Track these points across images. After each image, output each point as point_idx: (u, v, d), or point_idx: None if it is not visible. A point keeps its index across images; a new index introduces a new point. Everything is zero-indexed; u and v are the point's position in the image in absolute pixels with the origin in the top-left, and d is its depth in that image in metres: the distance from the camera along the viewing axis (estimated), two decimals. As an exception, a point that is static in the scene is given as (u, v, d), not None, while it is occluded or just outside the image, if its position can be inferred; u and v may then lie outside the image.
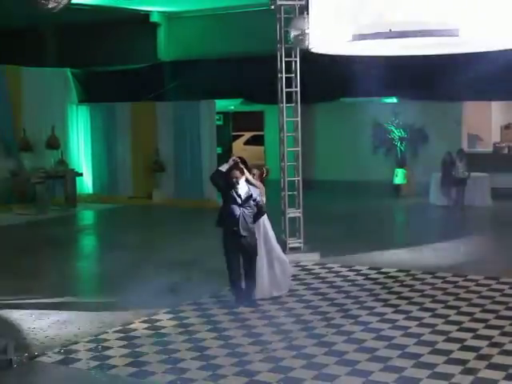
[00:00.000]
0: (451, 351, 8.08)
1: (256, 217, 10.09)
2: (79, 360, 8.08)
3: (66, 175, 20.90)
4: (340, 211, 19.22)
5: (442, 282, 11.26)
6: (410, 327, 9.01)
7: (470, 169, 19.24)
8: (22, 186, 20.61)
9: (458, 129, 22.43)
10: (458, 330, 8.84)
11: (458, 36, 6.65)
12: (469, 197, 19.30)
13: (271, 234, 10.66)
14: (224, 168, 10.15)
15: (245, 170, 10.16)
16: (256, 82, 20.54)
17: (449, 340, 8.49)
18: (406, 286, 11.13)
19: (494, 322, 9.16)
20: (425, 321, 9.28)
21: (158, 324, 9.37)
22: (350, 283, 11.35)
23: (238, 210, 9.90)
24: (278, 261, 10.65)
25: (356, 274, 11.94)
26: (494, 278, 11.42)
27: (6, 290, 11.37)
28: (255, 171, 10.63)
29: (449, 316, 9.46)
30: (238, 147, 28.54)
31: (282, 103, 13.28)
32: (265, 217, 10.54)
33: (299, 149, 13.48)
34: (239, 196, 9.92)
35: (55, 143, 21.23)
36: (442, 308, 9.85)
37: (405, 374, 7.42)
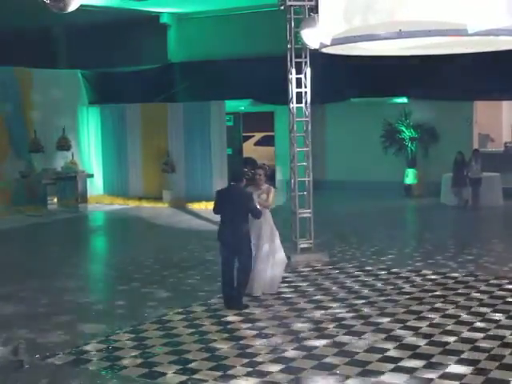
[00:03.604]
0: (462, 351, 8.05)
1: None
2: (90, 361, 8.10)
3: (77, 176, 20.98)
4: (350, 211, 19.21)
5: (453, 283, 11.23)
6: (420, 327, 8.99)
7: (482, 168, 19.22)
8: (33, 187, 20.70)
9: (469, 128, 22.39)
10: (468, 331, 8.82)
11: (468, 35, 6.63)
12: (480, 197, 19.26)
13: (277, 234, 10.72)
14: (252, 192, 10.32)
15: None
16: (266, 83, 20.54)
17: (460, 340, 8.46)
18: (417, 286, 11.11)
19: (505, 322, 9.12)
20: (436, 321, 9.25)
21: (168, 325, 9.38)
22: (360, 283, 11.33)
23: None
24: (280, 263, 10.69)
25: (367, 275, 11.92)
26: (505, 278, 11.39)
27: (17, 291, 11.41)
28: (261, 172, 10.61)
29: (460, 316, 9.43)
30: (249, 148, 28.53)
31: (292, 104, 13.28)
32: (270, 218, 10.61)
33: (309, 149, 13.47)
34: None
35: (66, 144, 21.35)
36: (453, 308, 9.83)
37: (416, 375, 7.40)
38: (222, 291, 10.17)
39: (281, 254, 10.77)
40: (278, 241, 10.69)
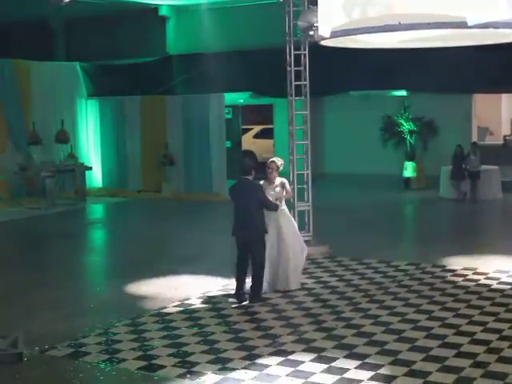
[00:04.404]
0: (461, 344, 8.06)
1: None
2: (89, 353, 8.10)
3: (76, 169, 20.95)
4: (349, 204, 19.19)
5: (451, 276, 11.23)
6: (419, 321, 8.99)
7: (481, 162, 19.21)
8: (31, 180, 20.68)
9: (468, 121, 22.37)
10: (468, 324, 8.82)
11: (467, 28, 6.63)
12: (479, 190, 19.24)
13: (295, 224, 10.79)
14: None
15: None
16: (265, 75, 20.53)
17: (459, 333, 8.47)
18: (416, 279, 11.11)
19: (503, 316, 9.13)
20: (434, 314, 9.26)
21: (167, 317, 9.39)
22: (359, 276, 11.33)
23: None
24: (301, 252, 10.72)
25: (365, 268, 11.92)
26: (503, 271, 11.40)
27: (17, 284, 11.42)
28: (273, 165, 10.56)
29: (458, 309, 9.44)
30: (248, 141, 28.52)
31: (291, 96, 13.26)
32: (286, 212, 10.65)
33: (308, 142, 13.45)
34: None
35: (64, 137, 21.29)
36: (452, 302, 9.83)
37: (414, 368, 7.41)
38: (236, 286, 10.14)
39: (301, 244, 10.84)
40: (297, 231, 10.82)
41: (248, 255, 10.08)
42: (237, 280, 10.12)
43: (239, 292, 10.07)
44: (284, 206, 10.60)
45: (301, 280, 10.82)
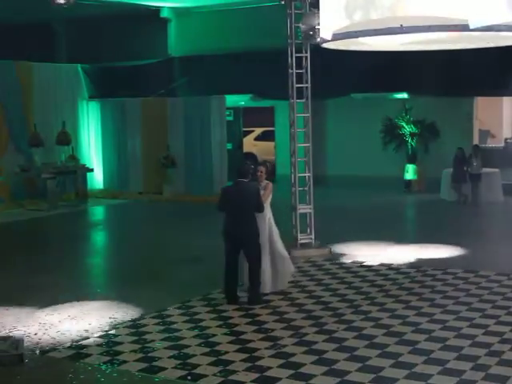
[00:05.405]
0: (462, 347, 8.06)
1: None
2: (90, 355, 8.10)
3: (77, 171, 20.95)
4: (350, 207, 19.18)
5: (452, 278, 11.23)
6: (420, 323, 8.99)
7: (482, 164, 19.18)
8: (32, 182, 20.67)
9: (470, 124, 22.35)
10: (468, 327, 8.82)
11: (469, 31, 6.63)
12: (480, 193, 19.22)
13: (275, 230, 10.72)
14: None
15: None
16: (266, 78, 20.50)
17: (460, 336, 8.47)
18: (417, 282, 11.10)
19: (504, 319, 9.12)
20: (435, 317, 9.25)
21: (168, 319, 9.39)
22: (360, 279, 11.33)
23: None
24: (280, 258, 10.66)
25: (366, 270, 11.91)
26: (505, 274, 11.39)
27: (18, 286, 11.42)
28: (262, 169, 10.63)
29: (460, 312, 9.43)
30: (249, 143, 28.50)
31: (293, 99, 13.26)
32: (270, 214, 10.59)
33: (310, 144, 13.46)
34: None
35: (66, 139, 21.29)
36: (453, 304, 9.83)
37: (415, 370, 7.41)
38: (224, 286, 10.17)
39: (281, 250, 10.75)
40: (277, 237, 10.69)
41: (237, 261, 10.09)
42: (228, 282, 10.11)
43: (232, 293, 10.10)
44: (267, 211, 10.59)
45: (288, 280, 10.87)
